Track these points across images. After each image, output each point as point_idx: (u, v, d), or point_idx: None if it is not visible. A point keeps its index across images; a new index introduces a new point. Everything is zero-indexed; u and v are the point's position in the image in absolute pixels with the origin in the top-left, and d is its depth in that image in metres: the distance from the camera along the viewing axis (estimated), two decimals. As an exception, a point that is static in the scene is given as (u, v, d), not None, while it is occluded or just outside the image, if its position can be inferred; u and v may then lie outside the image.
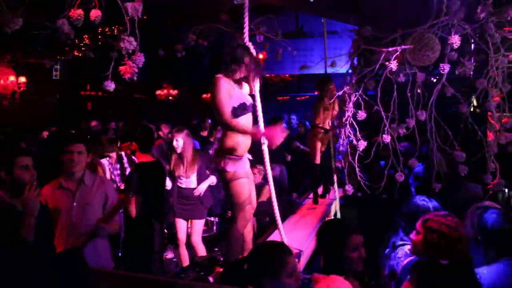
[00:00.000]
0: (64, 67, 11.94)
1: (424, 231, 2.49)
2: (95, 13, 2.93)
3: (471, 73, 4.21)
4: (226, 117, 3.26)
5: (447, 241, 2.41)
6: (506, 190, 6.29)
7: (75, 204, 3.47)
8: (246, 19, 3.59)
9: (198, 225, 5.35)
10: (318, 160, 6.07)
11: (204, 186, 5.32)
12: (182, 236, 5.41)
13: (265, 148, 3.61)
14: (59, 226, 3.44)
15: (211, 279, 3.88)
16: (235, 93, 3.34)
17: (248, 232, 3.73)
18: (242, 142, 3.39)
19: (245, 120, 3.39)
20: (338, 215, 5.67)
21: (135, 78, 3.20)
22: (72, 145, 3.50)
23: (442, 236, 2.42)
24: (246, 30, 3.59)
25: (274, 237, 4.30)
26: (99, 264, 3.57)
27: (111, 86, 3.18)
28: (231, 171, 3.35)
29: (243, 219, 3.46)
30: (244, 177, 3.41)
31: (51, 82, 12.25)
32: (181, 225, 5.41)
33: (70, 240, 3.42)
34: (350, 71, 4.49)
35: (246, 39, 3.63)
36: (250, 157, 3.60)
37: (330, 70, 6.14)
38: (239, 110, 3.32)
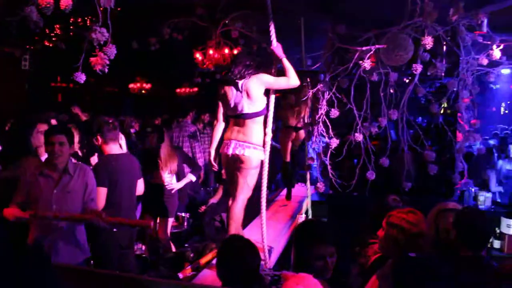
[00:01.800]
0: (34, 57, 11.60)
1: (387, 227, 2.54)
2: (66, 2, 2.85)
3: (443, 74, 4.29)
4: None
5: (406, 236, 2.46)
6: (473, 190, 6.45)
7: (55, 191, 3.46)
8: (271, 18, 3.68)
9: (165, 222, 5.31)
10: (288, 158, 6.13)
11: (181, 184, 5.29)
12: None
13: (268, 139, 3.86)
14: (35, 211, 3.41)
15: (180, 276, 3.84)
16: None
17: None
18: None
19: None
20: (310, 213, 5.68)
21: (106, 70, 3.13)
22: (53, 136, 3.46)
23: (401, 231, 2.47)
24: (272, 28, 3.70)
25: (254, 228, 4.31)
26: (76, 253, 3.61)
27: (81, 78, 3.11)
28: (259, 159, 3.77)
29: (246, 199, 3.87)
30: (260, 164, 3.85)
31: (19, 72, 11.88)
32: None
33: (45, 226, 3.44)
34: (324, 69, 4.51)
35: (273, 37, 3.72)
36: None
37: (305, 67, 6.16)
38: None
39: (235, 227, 3.84)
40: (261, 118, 3.79)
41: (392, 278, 2.16)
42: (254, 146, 3.74)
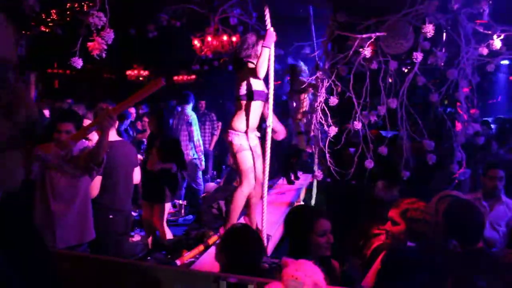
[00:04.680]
0: (30, 43, 11.49)
1: (406, 222, 2.52)
2: (62, -15, 2.81)
3: (442, 63, 4.25)
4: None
5: (429, 226, 2.49)
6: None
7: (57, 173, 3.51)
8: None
9: (161, 209, 5.29)
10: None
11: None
12: (147, 219, 5.35)
13: (269, 130, 3.87)
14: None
15: (178, 262, 3.84)
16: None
17: (255, 199, 4.19)
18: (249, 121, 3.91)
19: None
20: (313, 200, 5.67)
21: (103, 54, 3.10)
22: (60, 124, 3.44)
23: (426, 223, 2.49)
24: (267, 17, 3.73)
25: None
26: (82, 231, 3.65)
27: (78, 63, 3.08)
28: (237, 144, 3.89)
29: (247, 185, 3.95)
30: (247, 149, 3.92)
31: (15, 58, 11.75)
32: (147, 208, 5.34)
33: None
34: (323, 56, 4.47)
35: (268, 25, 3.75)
36: (258, 134, 4.07)
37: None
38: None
39: (232, 212, 3.98)
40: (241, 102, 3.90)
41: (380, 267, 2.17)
42: (233, 132, 3.91)
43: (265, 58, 3.65)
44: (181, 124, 7.47)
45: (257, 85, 3.84)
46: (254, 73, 3.75)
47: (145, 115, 8.42)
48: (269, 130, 3.87)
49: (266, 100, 3.90)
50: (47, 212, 3.48)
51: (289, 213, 2.72)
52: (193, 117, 7.56)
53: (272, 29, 3.70)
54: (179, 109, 7.80)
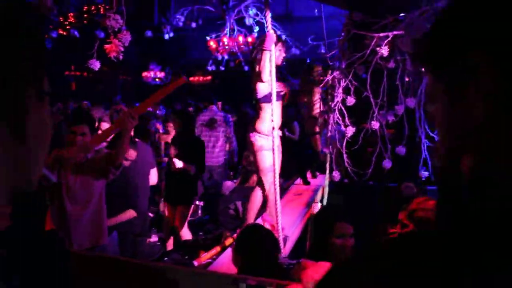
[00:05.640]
0: (47, 46, 11.66)
1: (415, 224, 2.45)
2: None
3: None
4: None
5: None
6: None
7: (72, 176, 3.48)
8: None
9: (184, 210, 5.26)
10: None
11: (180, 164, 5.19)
12: (169, 220, 5.35)
13: (275, 133, 3.86)
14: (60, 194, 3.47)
15: (195, 263, 3.85)
16: None
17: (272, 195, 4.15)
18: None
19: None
20: (325, 201, 5.64)
21: (120, 57, 3.12)
22: (75, 126, 3.43)
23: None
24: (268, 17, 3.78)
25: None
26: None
27: (96, 65, 3.10)
28: (257, 144, 3.99)
29: (265, 183, 4.07)
30: (266, 150, 3.95)
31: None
32: (170, 209, 5.34)
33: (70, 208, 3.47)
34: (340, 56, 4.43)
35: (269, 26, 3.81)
36: (280, 133, 4.12)
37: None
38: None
39: (249, 212, 4.12)
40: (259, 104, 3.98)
41: None
42: (255, 133, 4.02)
43: (266, 60, 3.69)
44: (218, 125, 7.13)
45: (266, 87, 3.86)
46: (259, 76, 3.79)
47: (165, 116, 8.46)
48: (275, 133, 3.85)
49: (282, 100, 4.02)
50: (63, 214, 3.47)
51: (316, 214, 2.73)
52: (226, 117, 7.23)
53: (272, 31, 3.73)
54: (205, 110, 7.66)
